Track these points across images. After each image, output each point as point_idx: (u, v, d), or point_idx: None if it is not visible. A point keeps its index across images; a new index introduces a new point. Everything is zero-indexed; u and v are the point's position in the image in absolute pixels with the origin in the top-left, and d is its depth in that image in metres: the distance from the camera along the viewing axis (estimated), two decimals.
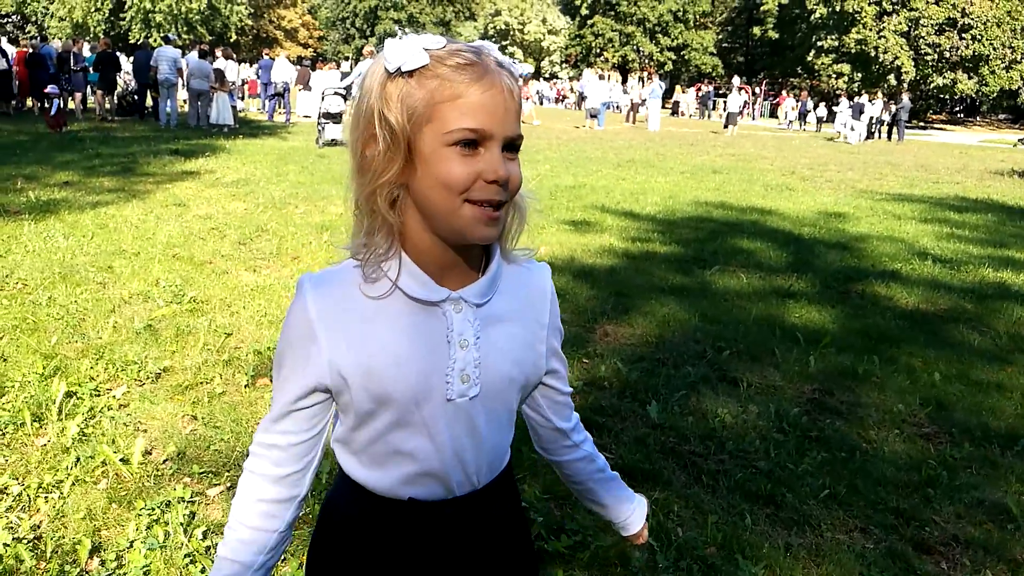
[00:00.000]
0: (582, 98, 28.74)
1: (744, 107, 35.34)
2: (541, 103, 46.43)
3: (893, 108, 30.27)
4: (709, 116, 39.32)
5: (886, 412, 3.84)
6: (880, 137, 30.07)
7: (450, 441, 1.12)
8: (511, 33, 63.00)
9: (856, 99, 29.15)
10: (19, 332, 4.27)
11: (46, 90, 15.03)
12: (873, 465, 3.28)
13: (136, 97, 19.86)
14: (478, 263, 1.12)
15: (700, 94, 42.09)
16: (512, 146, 1.03)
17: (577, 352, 4.33)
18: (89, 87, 19.48)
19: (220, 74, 17.69)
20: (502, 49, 1.09)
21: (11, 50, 19.82)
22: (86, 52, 19.49)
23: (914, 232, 9.07)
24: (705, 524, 2.78)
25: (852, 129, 26.97)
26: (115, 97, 19.10)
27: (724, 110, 29.66)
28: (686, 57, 59.72)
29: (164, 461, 3.01)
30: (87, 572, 2.36)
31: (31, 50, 18.40)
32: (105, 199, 8.36)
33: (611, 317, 5.05)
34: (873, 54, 44.18)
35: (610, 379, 4.03)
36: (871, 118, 28.62)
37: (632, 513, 1.42)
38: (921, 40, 43.47)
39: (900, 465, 3.31)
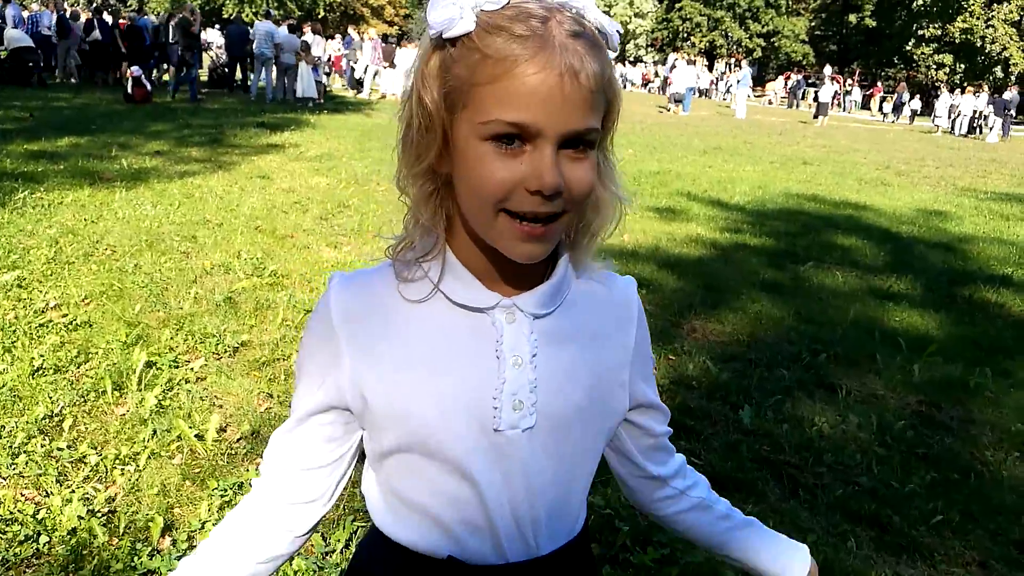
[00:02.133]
0: (667, 82, 28.14)
1: (835, 97, 34.05)
2: (625, 87, 45.74)
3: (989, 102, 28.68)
4: (798, 106, 38.04)
5: (1003, 431, 3.53)
6: (982, 133, 28.52)
7: (498, 485, 0.90)
8: None
9: (1002, 95, 27.48)
10: (105, 298, 4.31)
11: (130, 71, 15.44)
12: (991, 490, 3.00)
13: (226, 70, 20.27)
14: (541, 268, 0.90)
15: (789, 83, 40.74)
16: (577, 142, 0.79)
17: (663, 348, 4.12)
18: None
19: (305, 45, 17.87)
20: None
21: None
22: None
23: None
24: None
25: (991, 128, 25.56)
26: (205, 70, 19.54)
27: (814, 99, 28.62)
28: (776, 44, 57.86)
29: (238, 440, 2.96)
30: (158, 551, 2.30)
31: (129, 23, 18.97)
32: (192, 169, 8.48)
33: (699, 312, 4.81)
34: (979, 44, 42.01)
35: (699, 379, 3.82)
36: (974, 111, 27.16)
37: (785, 572, 1.09)
38: None
39: (1021, 492, 3.01)
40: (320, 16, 47.43)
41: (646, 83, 45.63)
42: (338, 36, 23.74)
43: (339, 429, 0.95)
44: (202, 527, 2.40)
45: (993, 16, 41.79)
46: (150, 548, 2.29)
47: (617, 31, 0.83)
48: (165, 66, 19.52)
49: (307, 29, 19.96)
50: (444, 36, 0.78)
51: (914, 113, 33.76)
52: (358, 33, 23.80)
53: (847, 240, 7.46)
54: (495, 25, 0.76)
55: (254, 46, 17.80)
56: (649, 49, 61.77)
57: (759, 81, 43.87)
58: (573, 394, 0.93)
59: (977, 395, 3.92)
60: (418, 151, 0.84)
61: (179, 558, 2.24)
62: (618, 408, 1.00)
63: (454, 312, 0.89)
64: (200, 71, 19.24)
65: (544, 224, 0.81)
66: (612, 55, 0.84)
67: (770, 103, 39.36)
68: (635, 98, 34.00)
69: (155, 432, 2.94)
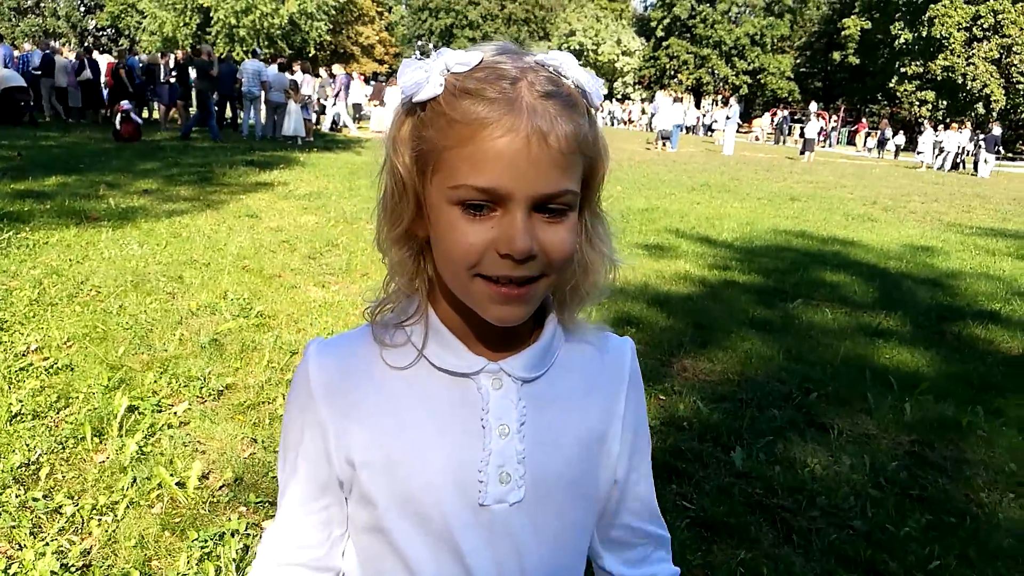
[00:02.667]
0: (651, 120, 28.46)
1: (821, 133, 34.50)
2: (612, 124, 46.22)
3: (981, 138, 29.10)
4: (784, 142, 38.48)
5: (997, 472, 3.49)
6: (965, 168, 28.89)
7: (488, 564, 0.85)
8: (585, 53, 62.95)
9: (991, 131, 27.65)
10: (88, 341, 4.25)
11: (120, 105, 15.51)
12: (987, 534, 2.95)
13: (216, 108, 20.35)
14: (528, 329, 0.88)
15: (775, 119, 41.28)
16: (551, 205, 0.76)
17: (654, 388, 4.08)
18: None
19: (294, 84, 17.99)
20: None
21: (104, 61, 20.59)
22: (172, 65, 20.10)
23: (1011, 270, 8.52)
24: None
25: (986, 162, 25.73)
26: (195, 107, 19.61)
27: (800, 135, 28.97)
28: (762, 81, 58.75)
29: (220, 487, 2.89)
30: None
31: (119, 61, 19.07)
32: (180, 208, 8.46)
33: (689, 350, 4.78)
34: (961, 81, 42.73)
35: (690, 419, 3.78)
36: (959, 147, 27.52)
37: None
38: (1013, 68, 41.85)
39: (1018, 535, 2.96)
40: (311, 54, 47.82)
41: (627, 122, 46.15)
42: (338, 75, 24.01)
43: (336, 512, 0.91)
44: None
45: (973, 54, 42.56)
46: None
47: (599, 89, 0.81)
48: (156, 105, 19.63)
49: (297, 68, 20.11)
50: (413, 100, 0.77)
51: (898, 148, 34.20)
52: (327, 72, 23.98)
53: (835, 276, 7.47)
54: (463, 89, 0.75)
55: (243, 84, 17.88)
56: (636, 87, 62.55)
57: (745, 117, 44.40)
58: (564, 465, 0.88)
59: (969, 434, 3.88)
60: (393, 216, 0.83)
61: None
62: (611, 478, 0.95)
63: (438, 378, 0.86)
64: (192, 109, 19.34)
65: (520, 286, 0.78)
66: (597, 112, 0.82)
67: (757, 139, 39.83)
68: (623, 135, 34.34)
69: (135, 480, 2.87)
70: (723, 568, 2.62)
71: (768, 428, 3.74)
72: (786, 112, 43.00)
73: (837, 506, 3.09)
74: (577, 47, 62.96)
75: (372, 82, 25.99)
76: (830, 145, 40.58)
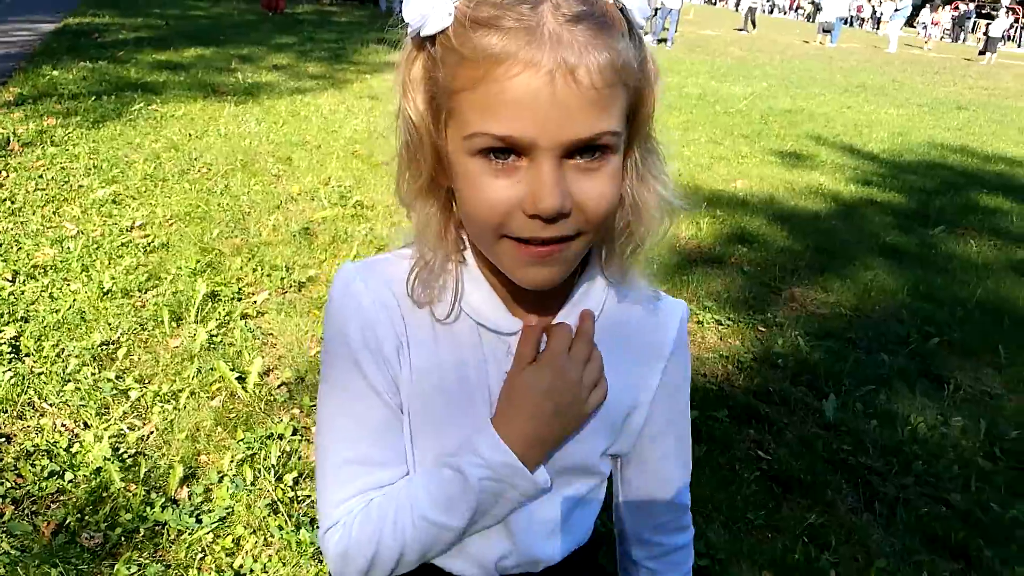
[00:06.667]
0: (817, 9, 26.11)
1: (1010, 31, 30.75)
2: (772, 12, 43.05)
3: None
4: (964, 39, 34.66)
5: None
6: None
7: (499, 535, 0.87)
8: None
9: None
10: (188, 220, 4.33)
11: None
12: None
13: None
14: (567, 290, 0.82)
15: (956, 14, 37.09)
16: (588, 150, 0.65)
17: (753, 318, 3.77)
18: None
19: None
20: None
21: None
22: None
23: None
24: (868, 572, 2.27)
25: None
26: None
27: (984, 34, 25.93)
28: None
29: (279, 385, 2.88)
30: (175, 502, 2.26)
31: None
32: (305, 86, 8.50)
33: (803, 276, 4.38)
34: None
35: (786, 356, 3.47)
36: None
37: None
38: None
39: None
40: None
41: (795, 7, 42.77)
42: None
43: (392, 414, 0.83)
44: (220, 480, 2.34)
45: None
46: (164, 498, 2.24)
47: (644, 4, 0.68)
48: None
49: None
50: (421, 34, 0.67)
51: None
52: None
53: (992, 201, 6.68)
54: (475, 19, 0.64)
55: None
56: None
57: (920, 10, 40.13)
58: (591, 439, 0.84)
59: None
60: (412, 168, 0.75)
61: (191, 514, 2.19)
62: (626, 448, 0.92)
63: (476, 333, 0.81)
64: None
65: (553, 244, 0.69)
66: (645, 34, 0.68)
67: (930, 36, 36.10)
68: (779, 26, 31.88)
69: (199, 370, 2.91)
70: (787, 531, 2.40)
71: (873, 375, 3.39)
72: (971, 5, 38.55)
73: (936, 474, 2.76)
74: None
75: None
76: (1020, 46, 36.20)
